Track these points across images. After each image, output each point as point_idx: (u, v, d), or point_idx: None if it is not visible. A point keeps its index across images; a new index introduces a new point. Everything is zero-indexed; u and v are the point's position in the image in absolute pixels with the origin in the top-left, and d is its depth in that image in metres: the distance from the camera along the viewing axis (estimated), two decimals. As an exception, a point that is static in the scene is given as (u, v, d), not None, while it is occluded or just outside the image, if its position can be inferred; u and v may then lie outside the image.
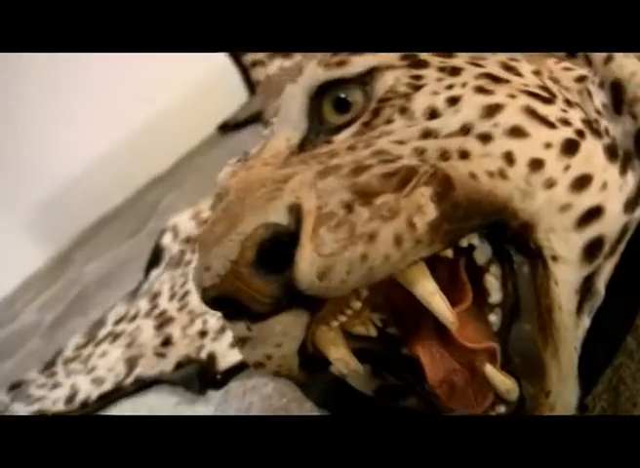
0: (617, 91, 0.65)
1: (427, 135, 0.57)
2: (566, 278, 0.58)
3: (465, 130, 0.57)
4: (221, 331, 1.13)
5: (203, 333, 1.17)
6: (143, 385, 1.19)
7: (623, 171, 0.62)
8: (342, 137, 0.60)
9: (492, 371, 0.56)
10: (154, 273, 1.47)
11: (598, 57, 0.66)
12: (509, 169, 0.56)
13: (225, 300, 0.53)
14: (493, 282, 0.59)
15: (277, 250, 0.51)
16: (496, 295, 0.59)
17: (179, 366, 1.16)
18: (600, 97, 0.65)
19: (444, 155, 0.55)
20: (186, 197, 1.76)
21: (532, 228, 0.57)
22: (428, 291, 0.54)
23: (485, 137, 0.57)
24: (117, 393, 1.22)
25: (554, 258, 0.58)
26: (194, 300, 1.26)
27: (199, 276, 0.53)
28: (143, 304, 1.37)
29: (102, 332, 1.40)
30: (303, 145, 0.61)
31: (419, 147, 0.56)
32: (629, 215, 0.61)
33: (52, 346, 1.57)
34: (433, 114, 0.58)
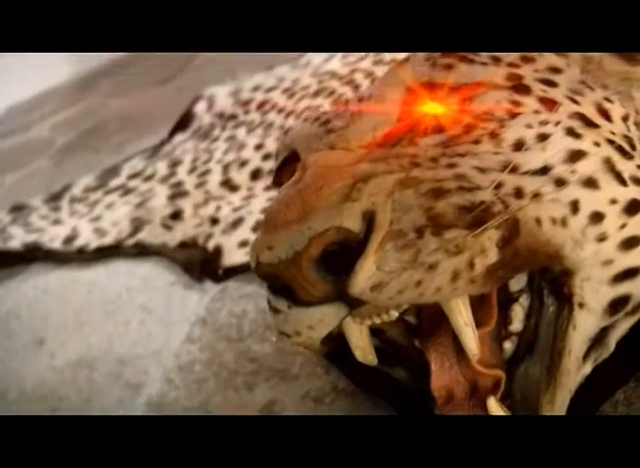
0: None
1: (508, 167, 0.56)
2: (585, 325, 0.60)
3: (545, 170, 0.57)
4: (234, 225, 1.13)
5: (214, 221, 1.17)
6: (143, 252, 1.20)
7: None
8: (428, 142, 0.59)
9: (493, 403, 0.58)
10: (179, 137, 1.45)
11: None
12: (571, 217, 0.57)
13: (277, 279, 0.53)
14: (518, 311, 0.61)
15: (342, 253, 0.51)
16: (517, 325, 0.61)
17: (183, 245, 1.16)
18: None
19: (519, 193, 0.56)
20: (229, 70, 1.70)
21: (571, 275, 0.59)
22: (463, 321, 0.56)
23: (560, 182, 0.57)
24: (116, 251, 1.23)
25: (581, 305, 0.60)
26: (213, 181, 1.25)
27: (259, 248, 0.54)
28: (162, 167, 1.35)
29: (115, 183, 1.39)
30: (389, 136, 0.60)
31: (497, 181, 0.55)
32: None
33: (58, 175, 1.57)
34: (520, 147, 0.58)
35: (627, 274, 0.60)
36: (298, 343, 0.59)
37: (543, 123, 0.59)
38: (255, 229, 1.10)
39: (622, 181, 0.59)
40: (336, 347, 0.62)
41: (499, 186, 0.55)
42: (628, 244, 0.59)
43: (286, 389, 0.84)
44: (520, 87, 0.61)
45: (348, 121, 0.62)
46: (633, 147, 0.62)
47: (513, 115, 0.59)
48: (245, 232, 1.10)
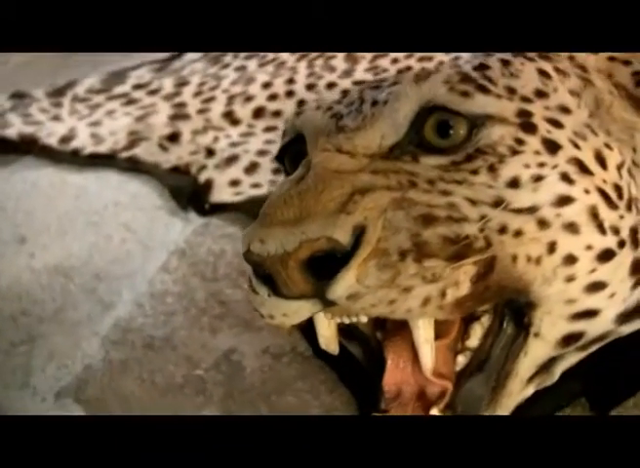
0: None
1: (499, 203, 0.59)
2: (536, 353, 0.65)
3: (532, 210, 0.60)
4: (228, 162, 1.15)
5: (210, 152, 1.19)
6: (136, 168, 1.22)
7: (637, 284, 0.66)
8: (429, 163, 0.61)
9: (435, 413, 0.63)
10: (190, 55, 1.44)
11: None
12: (546, 257, 0.61)
13: (263, 269, 0.57)
14: (478, 330, 0.65)
15: (328, 260, 0.55)
16: (474, 342, 0.65)
17: (175, 169, 1.19)
18: None
19: (502, 229, 0.59)
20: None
21: (533, 308, 0.63)
22: (424, 338, 0.60)
23: (543, 224, 0.60)
24: (109, 161, 1.25)
25: (536, 335, 0.64)
26: (216, 110, 1.26)
27: (252, 238, 0.57)
28: (168, 84, 1.35)
29: (119, 90, 1.39)
30: (393, 149, 0.62)
31: (485, 215, 0.58)
32: (616, 326, 0.67)
33: (65, 68, 1.55)
34: (514, 184, 0.60)
35: (586, 314, 0.65)
36: (268, 323, 0.63)
37: (541, 165, 0.61)
38: (247, 170, 1.13)
39: (602, 230, 0.62)
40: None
41: (485, 220, 0.58)
42: (594, 287, 0.63)
43: (248, 340, 0.89)
44: (527, 125, 0.62)
45: (359, 125, 0.63)
46: (620, 196, 0.64)
47: (514, 152, 0.61)
48: (237, 172, 1.13)
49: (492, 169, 0.60)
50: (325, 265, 0.55)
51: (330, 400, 0.80)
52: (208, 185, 1.12)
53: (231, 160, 1.15)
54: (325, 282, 0.55)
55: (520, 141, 0.62)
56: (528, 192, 0.60)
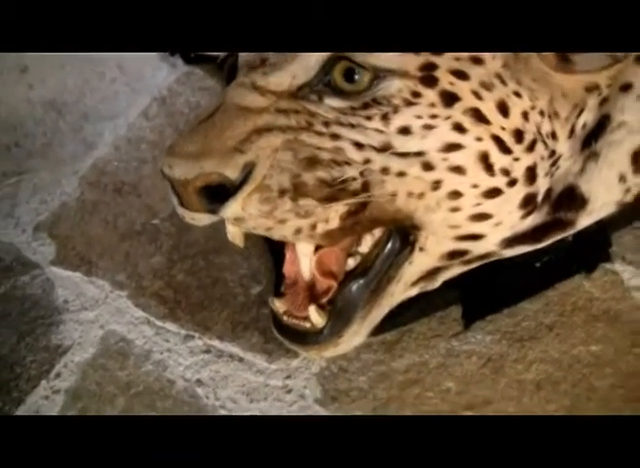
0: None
1: (386, 147, 0.66)
2: (421, 263, 0.75)
3: (418, 155, 0.67)
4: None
5: None
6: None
7: (527, 215, 0.74)
8: (331, 104, 0.67)
9: (312, 310, 0.74)
10: None
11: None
12: (430, 192, 0.69)
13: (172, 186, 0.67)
14: (369, 239, 0.75)
15: (220, 189, 0.65)
16: (365, 248, 0.75)
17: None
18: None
19: (385, 170, 0.66)
20: None
21: (418, 229, 0.72)
22: (303, 253, 0.72)
23: (428, 166, 0.67)
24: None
25: (421, 249, 0.74)
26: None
27: (164, 162, 0.66)
28: None
29: None
30: (302, 88, 0.67)
31: (369, 159, 0.66)
32: (500, 248, 0.75)
33: None
34: (404, 132, 0.66)
35: (471, 237, 0.73)
36: None
37: (434, 116, 0.66)
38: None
39: (491, 172, 0.69)
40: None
41: (367, 162, 0.66)
42: (479, 217, 0.71)
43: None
44: (428, 78, 0.66)
45: (277, 61, 0.68)
46: (520, 140, 0.69)
47: (409, 104, 0.66)
48: (225, 23, 1.16)
49: (385, 117, 0.66)
50: (217, 193, 0.65)
51: (257, 264, 0.92)
52: (196, 33, 1.17)
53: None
54: (216, 205, 0.65)
55: (416, 94, 0.66)
56: (416, 139, 0.66)
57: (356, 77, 0.66)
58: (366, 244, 0.75)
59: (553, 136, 0.72)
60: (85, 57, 1.19)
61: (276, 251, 0.83)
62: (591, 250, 0.85)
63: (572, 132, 0.74)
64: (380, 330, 0.79)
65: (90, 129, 1.11)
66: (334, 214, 0.65)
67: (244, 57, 0.71)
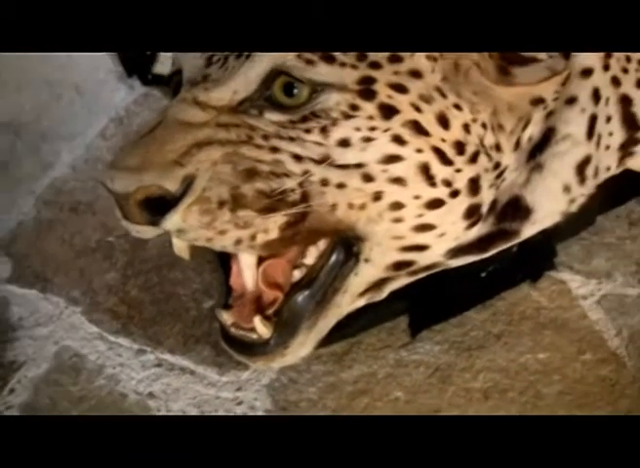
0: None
1: (325, 159, 0.67)
2: (366, 274, 0.76)
3: (357, 167, 0.68)
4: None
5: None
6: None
7: (471, 225, 0.75)
8: (271, 118, 0.68)
9: (257, 321, 0.74)
10: None
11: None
12: (371, 204, 0.69)
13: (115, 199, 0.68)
14: (313, 251, 0.76)
15: (160, 202, 0.65)
16: (310, 259, 0.76)
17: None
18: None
19: (324, 182, 0.67)
20: None
21: (362, 240, 0.73)
22: (246, 264, 0.73)
23: (368, 178, 0.68)
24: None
25: (366, 260, 0.75)
26: None
27: (105, 175, 0.67)
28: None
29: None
30: (243, 103, 0.68)
31: (308, 170, 0.67)
32: (445, 259, 0.77)
33: None
34: (343, 144, 0.67)
35: (415, 248, 0.74)
36: None
37: (372, 129, 0.67)
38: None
39: (432, 183, 0.70)
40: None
41: (306, 173, 0.67)
42: (422, 228, 0.72)
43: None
44: (367, 91, 0.67)
45: (219, 77, 0.69)
46: (461, 152, 0.70)
47: (347, 117, 0.67)
48: (182, 44, 1.18)
49: (324, 130, 0.67)
50: (158, 205, 0.65)
51: (209, 279, 0.93)
52: (154, 56, 1.19)
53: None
54: (158, 218, 0.66)
55: (355, 107, 0.67)
56: (356, 151, 0.67)
57: (295, 91, 0.67)
58: (311, 256, 0.75)
59: (497, 148, 0.74)
60: (43, 79, 1.20)
61: (226, 264, 0.83)
62: (536, 259, 0.87)
63: (517, 144, 0.75)
64: (328, 341, 0.79)
65: (47, 149, 1.12)
66: (273, 225, 0.66)
67: (187, 73, 0.72)
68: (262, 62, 0.68)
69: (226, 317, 0.76)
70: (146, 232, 0.69)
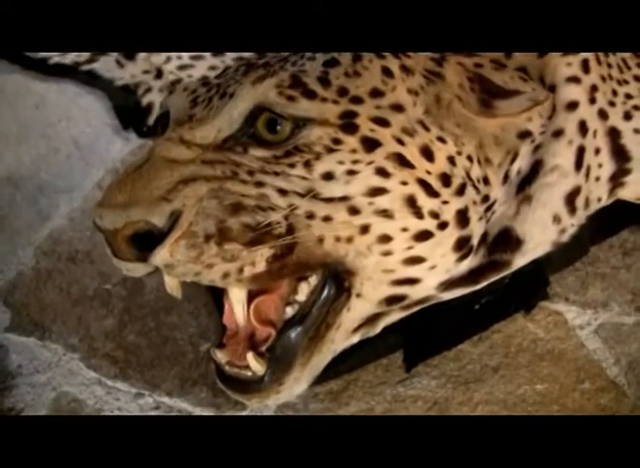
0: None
1: (310, 192, 0.68)
2: (359, 310, 0.76)
3: (343, 199, 0.69)
4: (172, 85, 1.23)
5: (160, 73, 1.26)
6: (93, 83, 1.30)
7: (462, 258, 0.76)
8: (255, 154, 0.70)
9: (250, 357, 0.74)
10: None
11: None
12: (359, 237, 0.70)
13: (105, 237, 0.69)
14: (305, 287, 0.76)
15: (148, 237, 0.66)
16: (302, 297, 0.76)
17: (125, 88, 1.27)
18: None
19: (310, 216, 0.68)
20: None
21: (352, 274, 0.73)
22: (236, 299, 0.73)
23: (354, 211, 0.69)
24: (71, 72, 1.32)
25: (358, 295, 0.75)
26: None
27: (94, 213, 0.69)
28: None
29: None
30: (227, 140, 0.71)
31: (293, 204, 0.68)
32: (438, 292, 0.77)
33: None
34: (327, 177, 0.69)
35: (407, 281, 0.75)
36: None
37: (355, 161, 0.69)
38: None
39: (420, 215, 0.71)
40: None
41: (293, 207, 0.68)
42: (412, 261, 0.73)
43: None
44: (349, 125, 0.69)
45: (203, 116, 0.72)
46: (447, 184, 0.72)
47: (330, 150, 0.69)
48: (176, 96, 1.21)
49: (307, 164, 0.69)
50: (146, 241, 0.67)
51: (206, 322, 0.94)
52: (149, 108, 1.21)
53: (174, 84, 1.23)
54: (146, 253, 0.67)
55: (337, 141, 0.69)
56: (340, 184, 0.69)
57: (278, 127, 0.69)
58: (303, 292, 0.76)
59: (485, 181, 0.75)
60: (41, 133, 1.22)
61: (222, 304, 0.84)
62: (529, 289, 0.87)
63: (506, 178, 0.77)
64: (324, 378, 0.80)
65: (45, 201, 1.13)
66: (260, 258, 0.67)
67: (174, 114, 0.74)
68: (245, 101, 0.71)
69: (221, 355, 0.76)
70: (136, 269, 0.70)
